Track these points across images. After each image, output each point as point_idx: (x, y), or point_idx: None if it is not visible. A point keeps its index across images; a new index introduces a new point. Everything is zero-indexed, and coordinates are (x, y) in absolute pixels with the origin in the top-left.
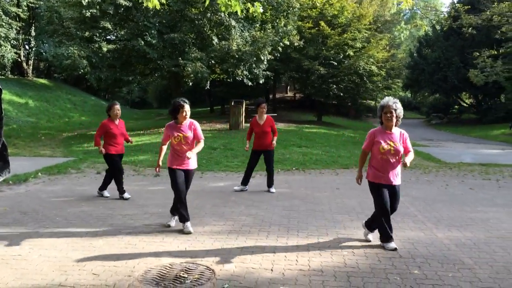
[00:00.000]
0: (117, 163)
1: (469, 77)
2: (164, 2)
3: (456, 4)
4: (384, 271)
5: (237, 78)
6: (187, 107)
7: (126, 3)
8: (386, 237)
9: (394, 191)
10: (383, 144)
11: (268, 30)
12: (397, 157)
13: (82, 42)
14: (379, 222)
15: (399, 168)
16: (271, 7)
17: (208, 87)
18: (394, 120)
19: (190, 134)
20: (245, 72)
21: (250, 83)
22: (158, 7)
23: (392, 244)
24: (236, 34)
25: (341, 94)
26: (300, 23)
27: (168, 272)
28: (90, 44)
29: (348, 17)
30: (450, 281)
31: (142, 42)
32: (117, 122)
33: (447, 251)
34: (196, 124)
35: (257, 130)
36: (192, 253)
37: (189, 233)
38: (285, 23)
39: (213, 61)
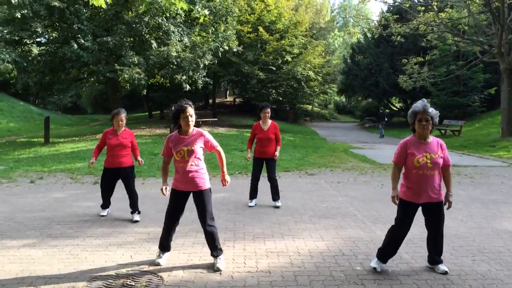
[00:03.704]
0: (104, 176)
1: (399, 82)
2: (109, 1)
3: (386, 13)
4: (329, 269)
5: (176, 81)
6: (190, 110)
7: (59, 4)
8: (381, 255)
9: (433, 208)
10: (418, 157)
11: (207, 36)
12: (436, 172)
13: (7, 44)
14: (388, 237)
15: (438, 183)
16: (209, 12)
17: (144, 93)
18: (430, 128)
19: (196, 148)
20: (184, 78)
21: (188, 88)
22: (104, 5)
23: (373, 263)
24: (175, 39)
25: (280, 98)
26: (239, 27)
27: (114, 281)
28: (19, 47)
29: (285, 23)
30: (390, 276)
31: (75, 46)
32: (119, 132)
33: None
34: (207, 134)
35: (260, 136)
36: (138, 261)
37: (158, 264)
38: (225, 28)
39: (152, 66)
